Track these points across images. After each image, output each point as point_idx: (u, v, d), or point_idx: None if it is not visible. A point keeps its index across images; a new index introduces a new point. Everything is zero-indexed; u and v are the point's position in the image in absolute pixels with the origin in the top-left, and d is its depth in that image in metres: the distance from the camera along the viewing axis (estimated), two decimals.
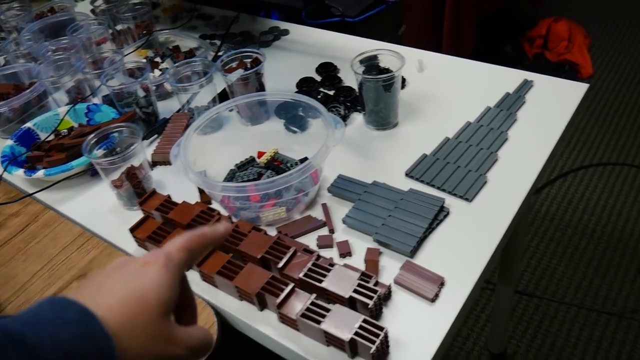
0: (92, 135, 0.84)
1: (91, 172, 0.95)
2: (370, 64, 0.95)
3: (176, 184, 0.91)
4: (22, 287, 0.79)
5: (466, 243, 0.75)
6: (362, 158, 0.91)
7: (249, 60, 1.00)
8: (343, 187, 0.84)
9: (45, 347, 0.32)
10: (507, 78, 1.04)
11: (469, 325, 1.58)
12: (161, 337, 0.40)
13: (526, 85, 1.01)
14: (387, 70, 0.94)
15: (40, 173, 0.90)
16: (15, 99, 1.03)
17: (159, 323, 0.40)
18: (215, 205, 0.86)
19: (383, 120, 0.96)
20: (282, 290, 0.67)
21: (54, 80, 1.06)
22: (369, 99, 0.93)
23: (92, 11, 1.40)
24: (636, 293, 1.60)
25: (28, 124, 1.02)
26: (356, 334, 0.61)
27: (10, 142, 0.99)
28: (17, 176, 0.93)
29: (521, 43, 2.62)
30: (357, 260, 0.74)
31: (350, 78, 1.10)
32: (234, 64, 0.99)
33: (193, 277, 0.76)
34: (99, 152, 0.87)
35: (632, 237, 1.76)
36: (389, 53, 0.93)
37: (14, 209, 0.93)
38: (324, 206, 0.82)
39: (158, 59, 1.18)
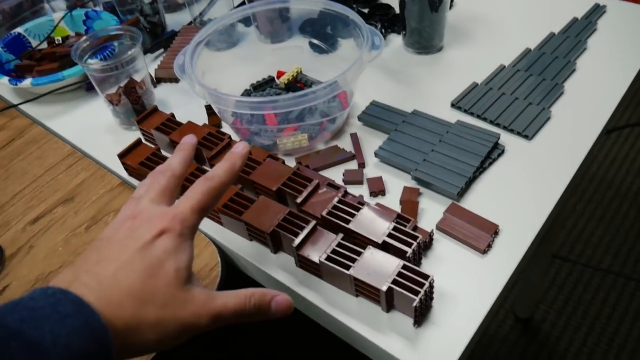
0: (84, 38, 0.71)
1: (86, 86, 0.82)
2: None
3: (182, 104, 0.79)
4: (0, 208, 0.68)
5: (525, 187, 0.62)
6: (400, 84, 0.78)
7: None
8: (377, 115, 0.71)
9: (47, 343, 0.32)
10: (573, 2, 0.88)
11: None
12: (180, 307, 0.38)
13: (597, 11, 0.85)
14: None
15: (27, 82, 0.78)
16: (5, 1, 0.91)
17: (178, 293, 0.38)
18: (225, 128, 0.74)
19: (426, 42, 0.81)
20: (301, 228, 0.56)
21: None
22: (412, 15, 0.79)
23: None
24: None
25: (19, 29, 0.89)
26: (395, 282, 0.49)
27: None
28: (2, 85, 0.81)
29: None
30: (392, 200, 0.62)
31: None
32: None
33: None
34: (94, 61, 0.75)
35: None
36: None
37: None
38: (354, 136, 0.70)
39: None
